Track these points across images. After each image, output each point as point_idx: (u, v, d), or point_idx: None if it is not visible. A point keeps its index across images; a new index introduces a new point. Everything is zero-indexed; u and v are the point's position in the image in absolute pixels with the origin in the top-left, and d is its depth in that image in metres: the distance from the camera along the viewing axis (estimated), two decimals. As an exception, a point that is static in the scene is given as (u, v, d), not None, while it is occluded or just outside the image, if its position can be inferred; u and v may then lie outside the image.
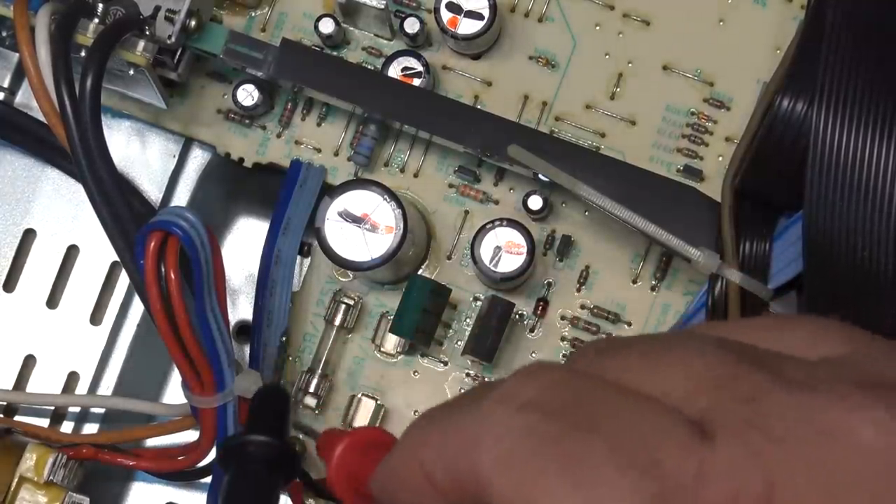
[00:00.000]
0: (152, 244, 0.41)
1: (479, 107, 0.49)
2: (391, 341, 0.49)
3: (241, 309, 0.52)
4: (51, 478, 0.46)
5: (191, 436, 0.48)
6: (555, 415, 0.26)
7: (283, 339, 0.48)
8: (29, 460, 0.46)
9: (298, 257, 0.50)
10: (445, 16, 0.48)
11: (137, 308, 0.52)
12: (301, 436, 0.50)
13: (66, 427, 0.51)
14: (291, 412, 0.50)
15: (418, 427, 0.30)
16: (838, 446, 0.25)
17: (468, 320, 0.49)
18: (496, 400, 0.27)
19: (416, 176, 0.50)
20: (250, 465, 0.42)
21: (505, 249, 0.47)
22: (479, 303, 0.49)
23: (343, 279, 0.50)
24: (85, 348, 0.52)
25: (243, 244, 0.52)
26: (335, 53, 0.50)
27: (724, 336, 0.28)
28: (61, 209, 0.52)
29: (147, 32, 0.46)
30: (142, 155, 0.52)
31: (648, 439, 0.25)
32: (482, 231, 0.47)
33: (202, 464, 0.47)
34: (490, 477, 0.26)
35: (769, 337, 0.28)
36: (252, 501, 0.41)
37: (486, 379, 0.49)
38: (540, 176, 0.47)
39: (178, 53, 0.48)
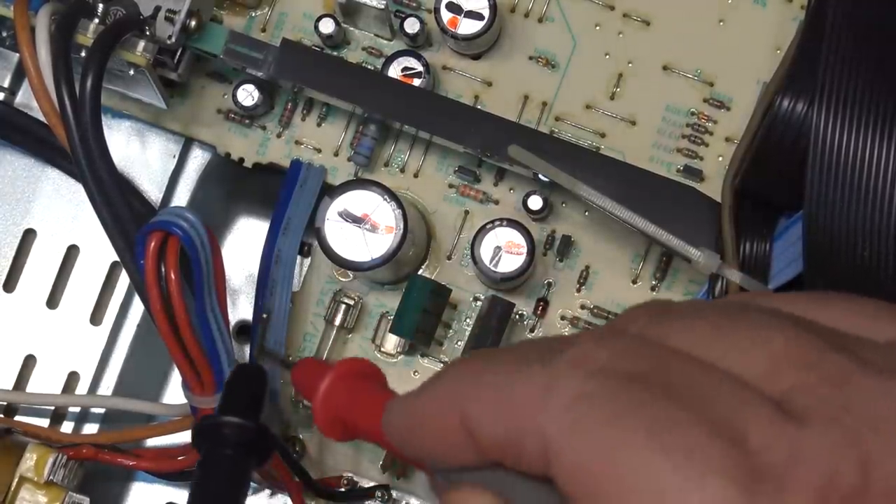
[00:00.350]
0: (152, 244, 0.41)
1: (479, 107, 0.49)
2: (391, 341, 0.49)
3: (241, 309, 0.52)
4: (51, 478, 0.46)
5: (191, 436, 0.48)
6: (635, 381, 0.25)
7: (265, 315, 0.48)
8: (29, 460, 0.46)
9: (298, 257, 0.50)
10: (445, 16, 0.48)
11: (137, 308, 0.52)
12: (301, 435, 0.50)
13: (66, 427, 0.51)
14: (291, 412, 0.50)
15: (460, 378, 0.28)
16: None
17: (468, 320, 0.49)
18: (569, 363, 0.26)
19: (416, 176, 0.50)
20: (221, 449, 0.41)
21: (505, 249, 0.47)
22: (479, 303, 0.49)
23: (343, 279, 0.50)
24: (85, 348, 0.52)
25: (243, 244, 0.52)
26: (335, 53, 0.50)
27: (785, 310, 0.28)
28: (61, 209, 0.52)
29: (147, 32, 0.46)
30: (142, 155, 0.52)
31: (737, 413, 0.25)
32: (482, 231, 0.47)
33: (202, 464, 0.47)
34: (562, 442, 0.25)
35: (831, 315, 0.28)
36: (221, 487, 0.41)
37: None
38: (540, 176, 0.47)
39: (179, 53, 0.48)
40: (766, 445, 0.24)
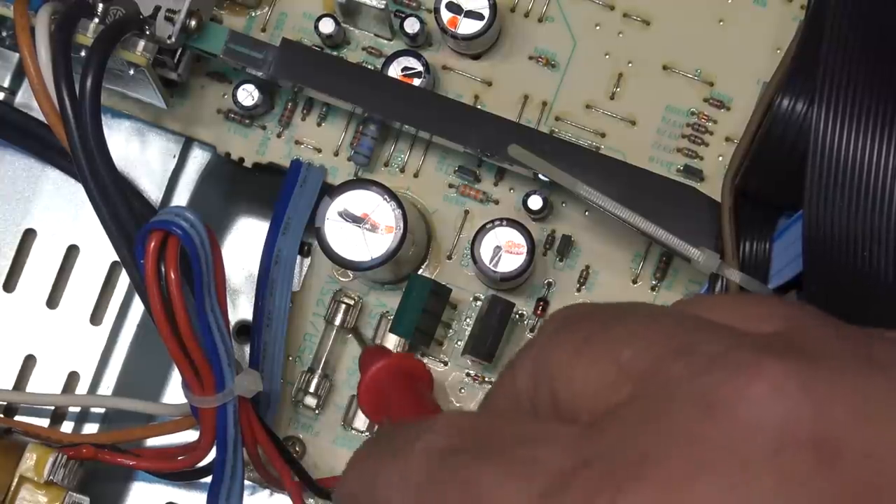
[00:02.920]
0: (152, 244, 0.41)
1: (479, 107, 0.49)
2: (391, 341, 0.49)
3: (241, 309, 0.52)
4: (51, 478, 0.46)
5: (191, 436, 0.48)
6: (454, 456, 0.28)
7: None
8: (29, 460, 0.46)
9: (298, 257, 0.50)
10: (445, 16, 0.48)
11: (137, 308, 0.52)
12: (301, 435, 0.50)
13: (66, 427, 0.51)
14: (291, 412, 0.50)
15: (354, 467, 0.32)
16: (714, 420, 0.25)
17: (468, 320, 0.49)
18: (417, 452, 0.29)
19: (416, 176, 0.50)
20: None
21: (505, 249, 0.47)
22: (479, 303, 0.49)
23: (343, 279, 0.50)
24: (85, 348, 0.52)
25: (243, 244, 0.52)
26: (335, 53, 0.50)
27: (687, 310, 0.29)
28: (61, 209, 0.52)
29: (147, 32, 0.46)
30: (142, 155, 0.52)
31: (529, 449, 0.27)
32: (482, 231, 0.47)
33: (202, 464, 0.47)
34: None
35: (729, 313, 0.29)
36: None
37: (487, 379, 0.49)
38: (540, 176, 0.47)
39: (178, 53, 0.48)
40: (555, 462, 0.26)
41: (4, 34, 0.48)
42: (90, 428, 0.51)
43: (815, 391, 0.25)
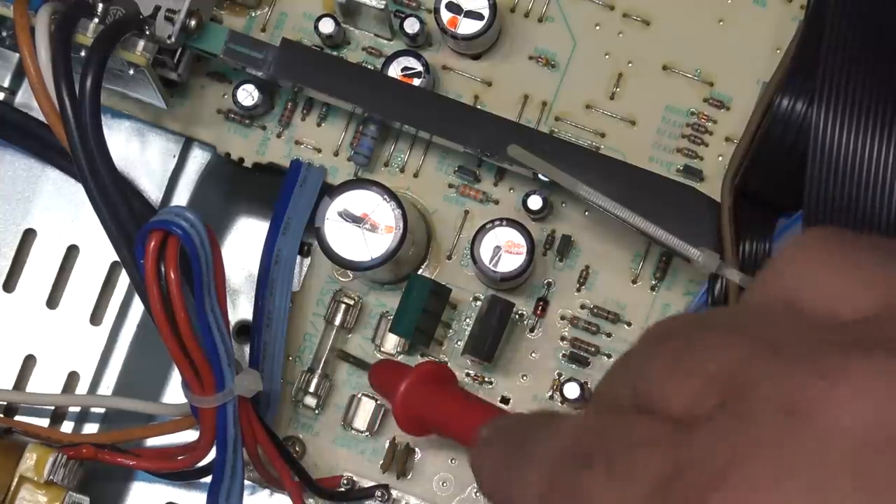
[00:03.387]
0: (152, 244, 0.41)
1: (479, 107, 0.49)
2: (391, 341, 0.49)
3: (241, 309, 0.52)
4: (51, 477, 0.46)
5: (191, 436, 0.48)
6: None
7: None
8: (29, 460, 0.46)
9: (298, 257, 0.50)
10: (445, 16, 0.48)
11: (137, 308, 0.52)
12: (301, 435, 0.50)
13: (66, 427, 0.51)
14: (291, 412, 0.50)
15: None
16: (796, 424, 0.25)
17: (468, 320, 0.49)
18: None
19: (416, 176, 0.50)
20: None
21: (505, 249, 0.47)
22: (479, 303, 0.49)
23: (343, 279, 0.50)
24: (85, 348, 0.52)
25: (243, 244, 0.52)
26: (335, 53, 0.50)
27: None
28: (61, 209, 0.52)
29: (147, 32, 0.46)
30: (142, 155, 0.52)
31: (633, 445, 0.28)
32: (482, 231, 0.47)
33: (202, 464, 0.47)
34: None
35: (826, 281, 0.29)
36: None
37: (486, 379, 0.49)
38: (540, 176, 0.47)
39: (178, 53, 0.48)
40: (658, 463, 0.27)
41: (4, 34, 0.48)
42: (90, 428, 0.51)
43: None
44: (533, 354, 0.49)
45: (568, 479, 0.29)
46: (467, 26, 0.48)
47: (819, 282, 0.29)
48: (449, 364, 0.49)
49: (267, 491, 0.51)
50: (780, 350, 0.27)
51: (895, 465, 0.25)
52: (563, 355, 0.49)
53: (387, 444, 0.49)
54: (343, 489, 0.49)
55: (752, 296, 0.31)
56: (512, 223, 0.47)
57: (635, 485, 0.27)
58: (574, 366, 0.49)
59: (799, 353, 0.27)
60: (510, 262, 0.47)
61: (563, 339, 0.49)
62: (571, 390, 0.48)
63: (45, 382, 0.51)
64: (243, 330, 0.52)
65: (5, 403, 0.51)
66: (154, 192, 0.52)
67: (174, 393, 0.52)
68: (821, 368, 0.26)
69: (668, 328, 0.31)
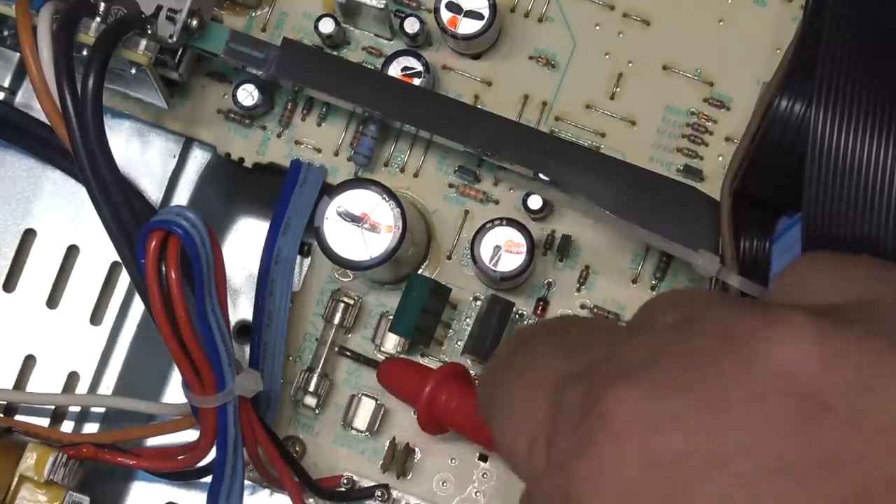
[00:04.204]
0: (153, 243, 0.41)
1: (479, 107, 0.49)
2: (391, 341, 0.50)
3: (241, 309, 0.52)
4: (51, 477, 0.46)
5: (191, 436, 0.48)
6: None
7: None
8: (29, 460, 0.46)
9: (298, 257, 0.50)
10: (445, 16, 0.48)
11: (137, 308, 0.52)
12: (301, 435, 0.50)
13: (67, 427, 0.51)
14: (291, 412, 0.50)
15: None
16: (724, 348, 0.27)
17: (468, 320, 0.49)
18: None
19: (416, 176, 0.50)
20: None
21: (505, 249, 0.47)
22: (478, 302, 0.49)
23: (343, 279, 0.50)
24: (85, 348, 0.52)
25: (243, 244, 0.52)
26: (335, 53, 0.50)
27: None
28: (61, 209, 0.52)
29: (148, 32, 0.46)
30: (142, 155, 0.52)
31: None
32: (482, 231, 0.47)
33: (202, 464, 0.47)
34: None
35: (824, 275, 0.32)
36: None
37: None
38: (540, 175, 0.47)
39: (180, 53, 0.48)
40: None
41: (6, 33, 0.48)
42: (90, 428, 0.51)
43: (830, 349, 0.26)
44: (533, 354, 0.49)
45: (521, 346, 0.33)
46: (467, 26, 0.48)
47: (809, 282, 0.31)
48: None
49: (267, 491, 0.51)
50: (743, 305, 0.29)
51: (795, 414, 0.26)
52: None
53: (387, 444, 0.49)
54: (343, 489, 0.49)
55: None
56: (512, 223, 0.47)
57: (571, 361, 0.30)
58: (574, 365, 0.49)
59: (757, 307, 0.29)
60: (510, 262, 0.47)
61: (563, 338, 0.49)
62: (571, 390, 0.48)
63: (45, 382, 0.51)
64: (243, 330, 0.52)
65: (5, 403, 0.51)
66: (154, 192, 0.52)
67: (174, 393, 0.52)
68: (770, 314, 0.28)
69: (682, 296, 0.33)
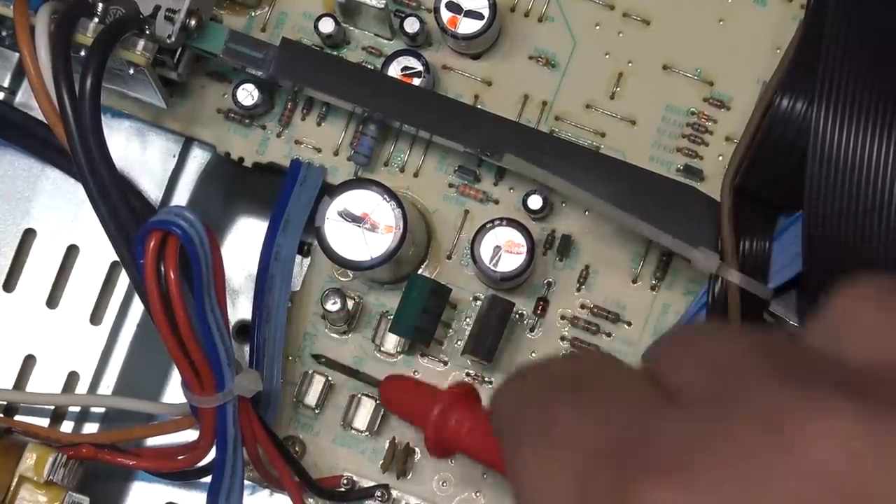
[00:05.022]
0: (152, 243, 0.41)
1: (479, 107, 0.49)
2: (391, 341, 0.49)
3: (241, 309, 0.52)
4: (51, 477, 0.46)
5: (191, 436, 0.48)
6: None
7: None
8: (29, 460, 0.46)
9: (298, 257, 0.50)
10: (445, 15, 0.48)
11: (137, 308, 0.52)
12: (301, 435, 0.50)
13: (66, 427, 0.51)
14: (291, 412, 0.50)
15: None
16: (770, 436, 0.25)
17: (468, 320, 0.49)
18: None
19: (416, 176, 0.50)
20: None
21: (505, 249, 0.47)
22: (479, 302, 0.49)
23: (343, 279, 0.50)
24: (85, 348, 0.52)
25: (243, 244, 0.52)
26: (335, 53, 0.50)
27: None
28: (61, 209, 0.52)
29: (147, 32, 0.46)
30: (142, 155, 0.52)
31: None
32: (482, 231, 0.47)
33: (202, 463, 0.47)
34: None
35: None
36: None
37: (486, 378, 0.49)
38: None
39: (178, 53, 0.48)
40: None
41: (4, 34, 0.48)
42: (90, 428, 0.51)
43: (873, 444, 0.25)
44: (533, 354, 0.49)
45: (542, 401, 0.30)
46: (467, 26, 0.48)
47: (862, 321, 0.29)
48: (449, 364, 0.49)
49: (267, 491, 0.51)
50: (785, 364, 0.27)
51: None
52: (563, 355, 0.49)
53: (387, 444, 0.49)
54: (343, 489, 0.49)
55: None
56: (512, 223, 0.47)
57: (598, 429, 0.28)
58: (574, 366, 0.49)
59: (799, 374, 0.27)
60: (510, 262, 0.47)
61: (563, 338, 0.49)
62: (571, 390, 0.48)
63: (45, 382, 0.51)
64: (243, 330, 0.52)
65: (5, 403, 0.51)
66: (154, 192, 0.52)
67: (174, 393, 0.52)
68: (808, 402, 0.26)
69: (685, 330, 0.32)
